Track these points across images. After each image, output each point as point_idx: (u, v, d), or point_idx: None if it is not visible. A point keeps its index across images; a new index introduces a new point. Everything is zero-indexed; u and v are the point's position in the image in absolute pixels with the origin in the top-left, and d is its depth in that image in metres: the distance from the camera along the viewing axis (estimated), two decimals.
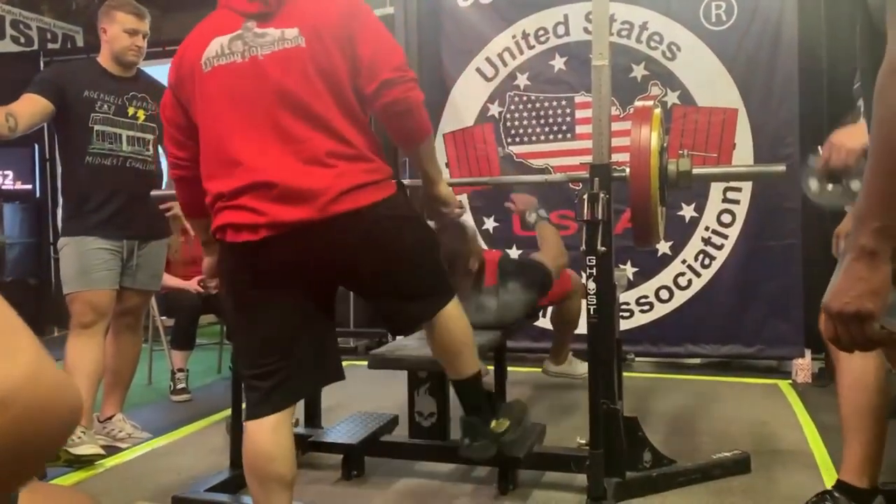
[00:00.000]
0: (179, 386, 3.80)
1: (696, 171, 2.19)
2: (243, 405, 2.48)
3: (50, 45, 6.88)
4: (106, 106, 2.85)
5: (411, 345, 2.52)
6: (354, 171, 1.70)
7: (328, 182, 1.67)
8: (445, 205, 1.99)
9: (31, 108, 2.69)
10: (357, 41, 1.70)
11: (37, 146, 5.88)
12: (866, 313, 0.98)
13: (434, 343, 1.93)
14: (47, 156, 5.95)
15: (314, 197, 1.66)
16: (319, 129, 1.69)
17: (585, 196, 2.07)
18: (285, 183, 1.66)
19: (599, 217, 2.04)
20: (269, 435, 1.73)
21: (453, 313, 1.88)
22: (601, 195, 2.06)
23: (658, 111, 2.15)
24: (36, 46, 6.74)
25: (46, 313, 6.08)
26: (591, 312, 2.03)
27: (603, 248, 2.02)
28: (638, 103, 2.20)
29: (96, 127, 2.83)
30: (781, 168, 2.19)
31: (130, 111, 2.92)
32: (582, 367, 3.34)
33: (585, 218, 2.05)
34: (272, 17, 1.72)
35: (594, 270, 2.02)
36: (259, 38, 1.71)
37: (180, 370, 3.83)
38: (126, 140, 2.89)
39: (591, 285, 2.02)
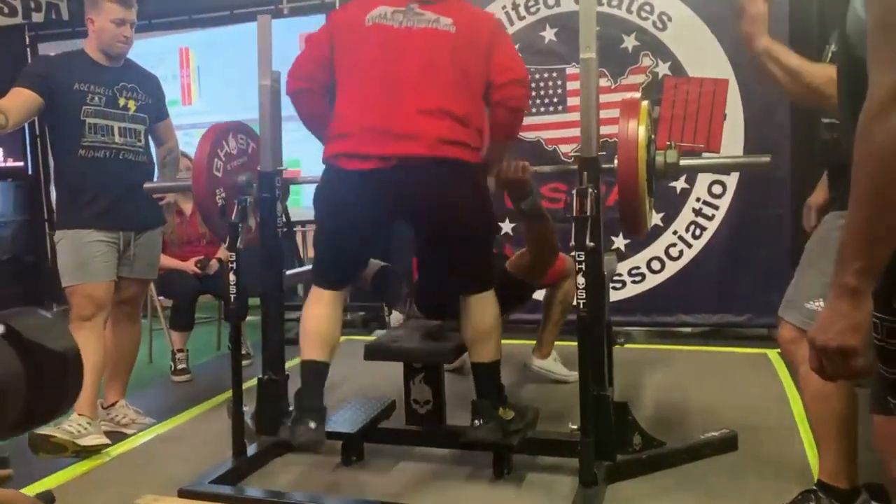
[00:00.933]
0: (180, 366, 3.85)
1: (683, 162, 2.22)
2: (245, 384, 2.56)
3: (34, 16, 6.78)
4: (97, 98, 2.84)
5: (405, 335, 2.57)
6: (460, 130, 2.08)
7: (438, 130, 2.05)
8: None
9: (20, 103, 2.69)
10: (495, 51, 2.15)
11: (27, 123, 5.84)
12: (849, 349, 1.02)
13: (467, 324, 2.23)
14: (37, 132, 5.93)
15: (423, 137, 2.04)
16: (442, 91, 2.08)
17: (574, 191, 2.09)
18: (402, 125, 2.05)
19: (588, 213, 2.07)
20: (326, 305, 2.21)
21: (490, 301, 2.23)
22: (590, 190, 2.08)
23: (645, 103, 2.16)
24: (20, 17, 6.65)
25: (43, 290, 6.13)
26: (581, 306, 2.07)
27: (592, 244, 2.05)
28: (626, 97, 2.21)
29: (88, 119, 2.82)
30: (766, 159, 2.22)
31: (121, 102, 2.91)
32: (565, 371, 3.31)
33: (574, 214, 2.08)
34: (432, 4, 2.14)
35: (583, 266, 2.06)
36: (417, 16, 2.12)
37: (180, 350, 3.88)
38: (118, 132, 2.89)
39: (581, 280, 2.06)
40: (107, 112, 2.86)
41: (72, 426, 2.65)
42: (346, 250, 2.25)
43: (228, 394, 3.38)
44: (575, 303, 2.12)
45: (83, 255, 2.81)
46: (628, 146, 2.07)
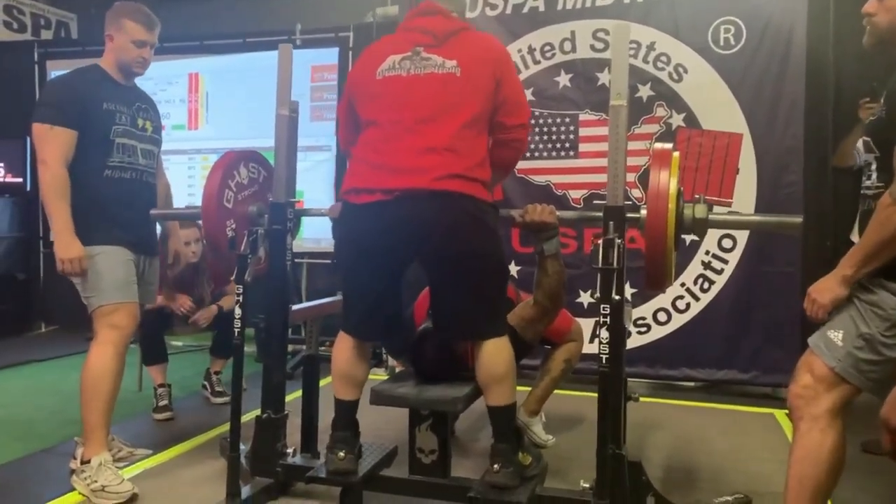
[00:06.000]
0: (161, 403, 3.65)
1: (711, 217, 2.15)
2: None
3: (43, 32, 6.77)
4: (124, 117, 2.75)
5: (413, 379, 2.49)
6: (463, 165, 2.11)
7: (440, 165, 2.09)
8: None
9: (69, 145, 2.61)
10: (503, 84, 2.19)
11: (28, 139, 5.77)
12: None
13: (480, 367, 2.18)
14: None
15: (425, 172, 2.08)
16: (446, 131, 2.12)
17: (600, 242, 2.03)
18: (406, 161, 2.11)
19: (614, 264, 2.00)
20: (353, 349, 2.27)
21: (504, 345, 2.19)
22: (616, 241, 2.02)
23: (677, 154, 2.11)
24: (29, 33, 6.63)
25: (34, 309, 6.01)
26: (604, 361, 2.00)
27: (617, 297, 1.98)
28: (657, 146, 2.16)
29: (118, 140, 2.71)
30: (798, 219, 2.16)
31: (140, 122, 2.82)
32: (546, 434, 3.16)
33: (599, 265, 2.01)
34: (438, 47, 2.20)
35: (608, 319, 1.98)
36: (423, 61, 2.19)
37: (161, 386, 3.70)
38: (140, 153, 2.80)
39: (605, 334, 1.99)
40: (132, 132, 2.77)
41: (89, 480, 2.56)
42: (365, 291, 2.23)
43: (218, 430, 3.31)
44: (600, 356, 2.03)
45: (127, 274, 2.69)
46: (659, 198, 2.01)
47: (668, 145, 2.13)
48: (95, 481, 2.53)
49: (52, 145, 2.59)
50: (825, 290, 1.89)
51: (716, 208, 3.93)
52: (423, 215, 2.09)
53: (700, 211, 2.10)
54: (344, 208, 2.25)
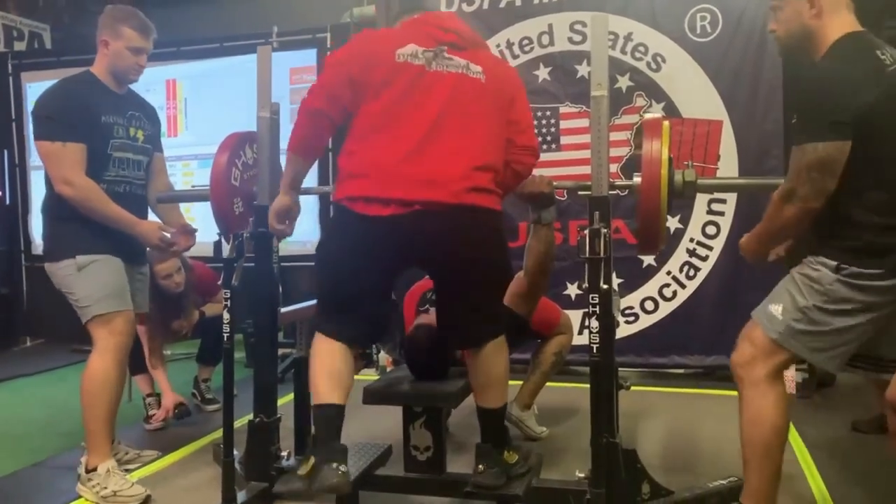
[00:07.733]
0: (151, 412, 3.63)
1: (700, 181, 2.23)
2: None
3: (16, 44, 6.69)
4: (121, 130, 2.71)
5: (405, 376, 2.49)
6: (485, 176, 2.02)
7: (464, 176, 1.97)
8: None
9: (84, 160, 2.58)
10: (516, 107, 2.13)
11: (6, 152, 5.72)
12: None
13: (475, 370, 2.15)
14: (17, 161, 5.80)
15: (448, 184, 1.95)
16: (470, 138, 2.02)
17: (586, 232, 2.04)
18: (427, 170, 1.96)
19: (601, 254, 2.01)
20: (339, 348, 2.04)
21: (501, 346, 2.15)
22: (602, 230, 2.03)
23: (667, 124, 2.16)
24: (2, 45, 6.56)
25: (18, 323, 5.95)
26: (595, 351, 2.01)
27: (605, 286, 1.99)
28: (647, 116, 2.20)
29: (115, 154, 2.68)
30: (781, 181, 2.19)
31: (132, 132, 2.77)
32: (539, 427, 3.18)
33: (587, 254, 2.02)
34: (462, 50, 2.09)
35: (597, 308, 1.99)
36: (447, 60, 2.06)
37: (149, 395, 3.68)
38: (134, 165, 2.77)
39: (594, 324, 2.00)
40: (127, 145, 2.73)
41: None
42: (361, 300, 2.05)
43: (210, 437, 3.29)
44: (589, 345, 2.05)
45: (123, 281, 2.67)
46: (652, 164, 2.05)
47: (658, 115, 2.16)
48: (105, 487, 2.55)
49: (70, 163, 2.56)
50: (749, 252, 2.26)
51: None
52: (441, 231, 1.97)
53: (689, 175, 2.18)
54: (344, 215, 2.02)
